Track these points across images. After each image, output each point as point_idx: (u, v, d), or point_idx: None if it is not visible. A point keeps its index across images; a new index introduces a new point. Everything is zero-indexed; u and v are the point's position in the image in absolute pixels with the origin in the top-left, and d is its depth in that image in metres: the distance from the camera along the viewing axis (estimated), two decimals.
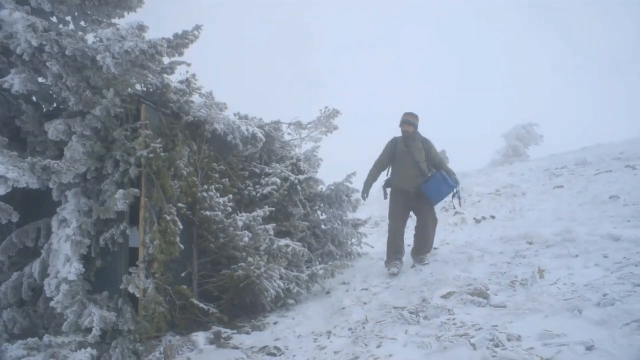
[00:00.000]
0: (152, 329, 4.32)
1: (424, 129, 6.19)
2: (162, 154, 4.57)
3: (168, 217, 4.55)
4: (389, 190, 6.14)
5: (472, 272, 4.88)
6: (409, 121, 5.99)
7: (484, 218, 10.48)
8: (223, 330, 4.45)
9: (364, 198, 6.24)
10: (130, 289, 4.23)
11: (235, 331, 4.51)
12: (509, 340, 2.92)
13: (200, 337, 4.27)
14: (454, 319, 3.55)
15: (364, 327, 3.95)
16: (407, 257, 5.97)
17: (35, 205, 4.81)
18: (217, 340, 4.27)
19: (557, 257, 4.81)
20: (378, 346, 3.41)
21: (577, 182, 12.04)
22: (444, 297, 4.13)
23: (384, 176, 6.21)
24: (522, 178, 15.19)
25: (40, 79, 4.79)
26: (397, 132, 6.15)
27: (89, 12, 5.44)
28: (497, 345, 2.86)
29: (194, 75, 5.54)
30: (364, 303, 4.67)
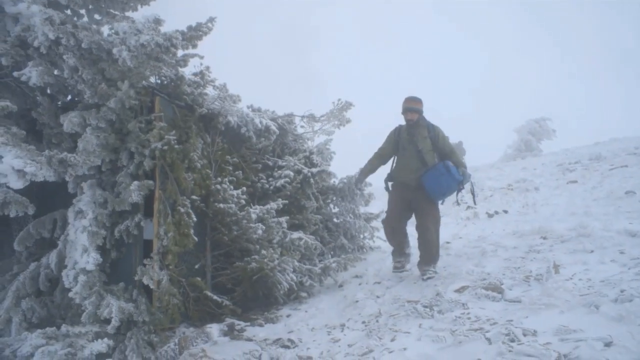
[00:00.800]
0: (166, 320, 4.36)
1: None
2: (176, 146, 4.60)
3: (182, 210, 4.57)
4: (390, 184, 5.53)
5: (485, 266, 4.86)
6: (412, 108, 5.25)
7: (496, 212, 10.42)
8: (237, 322, 4.48)
9: (357, 187, 5.65)
10: (145, 281, 4.28)
11: (248, 323, 4.54)
12: (524, 335, 2.90)
13: (214, 328, 4.29)
14: (468, 314, 3.54)
15: (377, 321, 3.95)
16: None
17: (50, 196, 4.86)
18: (231, 332, 4.30)
19: (572, 253, 4.78)
20: (392, 340, 3.40)
21: (591, 177, 11.92)
22: (458, 291, 4.12)
23: (385, 169, 5.61)
24: (534, 173, 15.09)
25: (55, 72, 4.82)
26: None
27: (103, 5, 5.45)
28: (512, 340, 2.85)
29: (208, 68, 5.55)
30: (377, 296, 4.67)
